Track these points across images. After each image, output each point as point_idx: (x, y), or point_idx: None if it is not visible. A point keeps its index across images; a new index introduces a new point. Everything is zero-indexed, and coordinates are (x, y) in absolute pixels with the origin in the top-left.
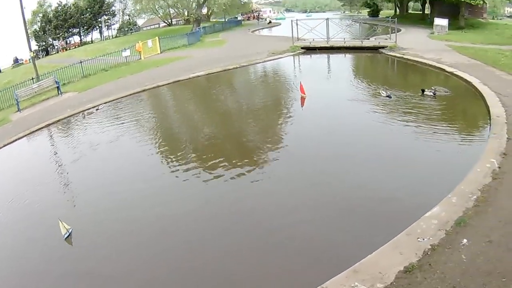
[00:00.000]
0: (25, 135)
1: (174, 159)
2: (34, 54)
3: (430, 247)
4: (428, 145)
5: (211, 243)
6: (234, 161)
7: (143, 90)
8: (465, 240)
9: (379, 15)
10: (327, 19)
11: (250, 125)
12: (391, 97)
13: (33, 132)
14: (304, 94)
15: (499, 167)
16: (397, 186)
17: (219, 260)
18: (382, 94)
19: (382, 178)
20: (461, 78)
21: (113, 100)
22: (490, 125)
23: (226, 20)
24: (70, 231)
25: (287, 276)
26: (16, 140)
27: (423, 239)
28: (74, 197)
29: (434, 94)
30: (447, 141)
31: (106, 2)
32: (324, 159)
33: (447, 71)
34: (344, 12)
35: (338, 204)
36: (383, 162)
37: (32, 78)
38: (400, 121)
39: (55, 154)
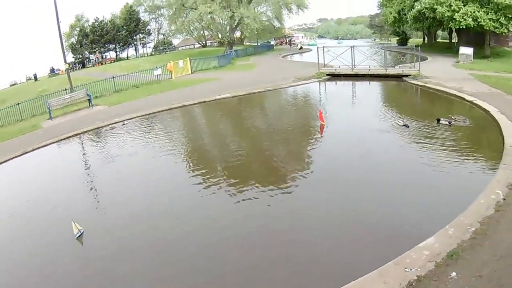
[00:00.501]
0: (54, 142)
1: (194, 171)
2: (69, 66)
3: (416, 278)
4: (436, 174)
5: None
6: (247, 177)
7: (170, 109)
8: (454, 274)
9: (408, 44)
10: (353, 46)
11: (265, 146)
12: (408, 126)
13: (62, 139)
14: (323, 121)
15: (504, 199)
16: (397, 213)
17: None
18: (399, 124)
19: (386, 203)
20: (479, 107)
21: (140, 116)
22: (502, 155)
23: (259, 44)
24: (81, 232)
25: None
26: (45, 145)
27: (411, 270)
28: (91, 200)
29: (450, 123)
30: (456, 170)
31: (142, 21)
32: (334, 183)
33: (467, 100)
34: (374, 40)
35: (340, 226)
36: (390, 188)
37: (66, 89)
38: (414, 149)
39: (80, 161)
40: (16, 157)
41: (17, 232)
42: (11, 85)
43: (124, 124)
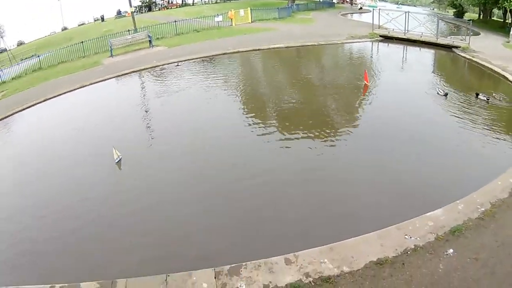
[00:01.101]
0: (112, 77)
1: (241, 109)
2: (135, 9)
3: (413, 247)
4: (464, 147)
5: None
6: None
7: (224, 53)
8: (451, 250)
9: (463, 17)
10: (407, 12)
11: (305, 98)
12: (447, 96)
13: (119, 75)
14: (368, 82)
15: None
16: (418, 178)
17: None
18: (439, 93)
19: (412, 167)
20: None
21: (195, 58)
22: None
23: (321, 0)
24: (120, 157)
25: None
26: (103, 80)
27: (410, 238)
28: (139, 131)
29: (488, 99)
30: (484, 147)
31: None
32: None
33: (509, 80)
34: (433, 9)
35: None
36: (419, 152)
37: (129, 30)
38: (448, 119)
39: (133, 96)
40: (74, 90)
41: (67, 153)
42: (79, 25)
43: (178, 65)
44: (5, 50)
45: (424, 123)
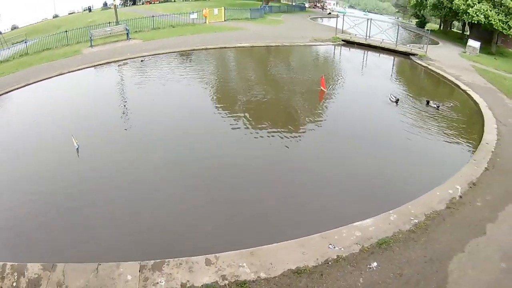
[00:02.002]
0: (88, 67)
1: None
2: (118, 2)
3: (335, 257)
4: (407, 155)
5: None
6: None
7: (193, 50)
8: (374, 264)
9: (425, 27)
10: (370, 19)
11: (261, 92)
12: (397, 103)
13: (95, 66)
14: (324, 88)
15: (460, 197)
16: (355, 183)
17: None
18: (392, 99)
19: (351, 172)
20: (471, 97)
21: (165, 53)
22: (476, 151)
23: (294, 4)
24: (78, 145)
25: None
26: (79, 69)
27: (334, 247)
28: (102, 118)
29: (438, 107)
30: (426, 156)
31: None
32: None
33: (461, 88)
34: (397, 18)
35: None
36: (363, 157)
37: (109, 22)
38: (397, 125)
39: (104, 85)
40: (52, 77)
41: (33, 139)
42: (69, 14)
43: (142, 61)
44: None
45: (373, 128)
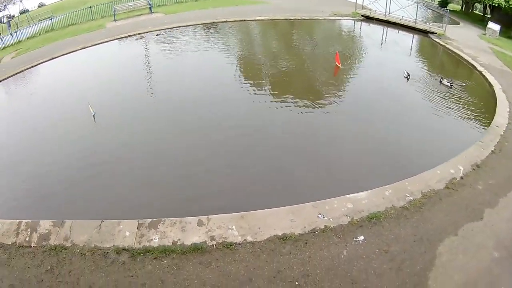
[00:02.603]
0: (111, 40)
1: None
2: None
3: (323, 227)
4: (413, 132)
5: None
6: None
7: (214, 22)
8: (361, 238)
9: (447, 7)
10: None
11: (281, 65)
12: (408, 78)
13: (118, 38)
14: (339, 63)
15: (462, 178)
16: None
17: None
18: (404, 75)
19: (362, 144)
20: (486, 79)
21: (185, 25)
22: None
23: None
24: (94, 113)
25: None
26: (103, 43)
27: (323, 217)
28: (122, 86)
29: (451, 86)
30: (433, 134)
31: None
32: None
33: (477, 69)
34: None
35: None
36: (374, 129)
37: None
38: (408, 100)
39: (125, 57)
40: (76, 50)
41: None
42: None
43: (158, 35)
44: (27, 10)
45: (384, 104)
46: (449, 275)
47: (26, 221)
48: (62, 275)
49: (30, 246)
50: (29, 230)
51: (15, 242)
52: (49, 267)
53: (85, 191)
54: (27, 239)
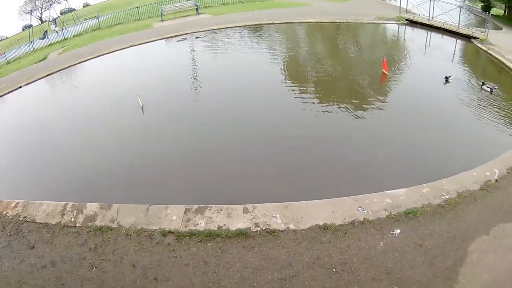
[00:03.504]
0: (159, 39)
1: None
2: None
3: (362, 220)
4: (453, 135)
5: None
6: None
7: (260, 24)
8: (397, 231)
9: (489, 12)
10: (433, 0)
11: (327, 69)
12: (448, 81)
13: (165, 38)
14: (386, 71)
15: (497, 180)
16: (409, 155)
17: None
18: (443, 81)
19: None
20: None
21: (231, 27)
22: None
23: None
24: (143, 105)
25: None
26: (150, 41)
27: (363, 210)
28: (168, 82)
29: (491, 91)
30: (472, 137)
31: None
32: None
33: None
34: (464, 0)
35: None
36: (419, 133)
37: None
38: (444, 104)
39: (170, 56)
40: (124, 48)
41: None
42: None
43: (197, 37)
44: (73, 10)
45: (426, 108)
46: (478, 273)
47: (73, 203)
48: (106, 253)
49: (75, 226)
50: (75, 211)
51: (60, 222)
52: (93, 246)
53: (133, 180)
54: (72, 219)
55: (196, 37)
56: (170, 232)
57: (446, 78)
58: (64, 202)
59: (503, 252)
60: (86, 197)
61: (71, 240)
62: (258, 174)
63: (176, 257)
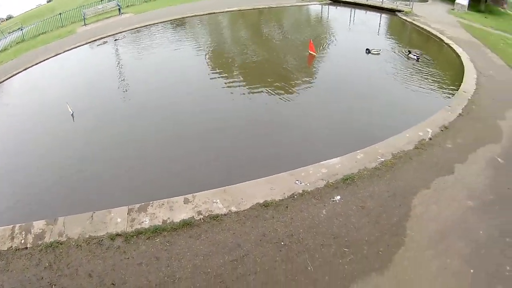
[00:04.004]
0: (83, 44)
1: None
2: None
3: (301, 192)
4: (384, 103)
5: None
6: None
7: (184, 17)
8: (338, 197)
9: None
10: None
11: (254, 55)
12: (372, 53)
13: (90, 42)
14: (314, 52)
15: (430, 139)
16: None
17: None
18: (374, 51)
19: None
20: (453, 50)
21: (157, 23)
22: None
23: None
24: (72, 112)
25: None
26: (76, 47)
27: (300, 183)
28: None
29: (418, 58)
30: (402, 103)
31: None
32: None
33: (444, 42)
34: None
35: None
36: (350, 103)
37: (101, 0)
38: (373, 75)
39: (99, 58)
40: (49, 58)
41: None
42: None
43: (116, 40)
44: None
45: (356, 81)
46: (425, 225)
47: (20, 224)
48: (61, 268)
49: (27, 248)
50: (23, 233)
51: (11, 246)
52: (47, 264)
53: (72, 188)
54: (22, 241)
55: (115, 40)
56: (117, 235)
57: (368, 50)
58: (12, 225)
59: (446, 202)
60: (31, 215)
61: (26, 263)
62: (195, 164)
63: (128, 258)
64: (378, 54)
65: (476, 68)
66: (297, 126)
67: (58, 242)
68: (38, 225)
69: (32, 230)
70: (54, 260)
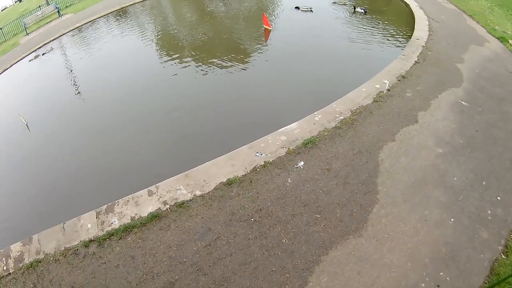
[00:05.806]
0: (27, 55)
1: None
2: None
3: (263, 163)
4: (336, 60)
5: None
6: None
7: (124, 7)
8: (301, 163)
9: None
10: None
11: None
12: (304, 10)
13: (35, 50)
14: (269, 26)
15: (388, 90)
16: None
17: None
18: (303, 8)
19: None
20: (402, 0)
21: (98, 17)
22: (405, 47)
23: None
24: (26, 123)
25: None
26: (22, 59)
27: (261, 155)
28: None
29: (365, 12)
30: (355, 58)
31: None
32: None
33: None
34: None
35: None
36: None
37: (39, 6)
38: (323, 34)
39: (49, 66)
40: None
41: None
42: (1, 10)
43: (44, 54)
44: None
45: (305, 41)
46: (396, 178)
47: None
48: (46, 286)
49: (10, 273)
50: (3, 259)
51: None
52: (32, 285)
53: (40, 201)
54: (4, 268)
55: (43, 54)
56: (91, 241)
57: (297, 7)
58: None
59: (414, 152)
60: (8, 239)
61: None
62: (155, 153)
63: (105, 263)
64: (310, 11)
65: (426, 14)
66: (253, 97)
67: (37, 261)
68: (16, 247)
69: (11, 254)
70: (37, 279)
